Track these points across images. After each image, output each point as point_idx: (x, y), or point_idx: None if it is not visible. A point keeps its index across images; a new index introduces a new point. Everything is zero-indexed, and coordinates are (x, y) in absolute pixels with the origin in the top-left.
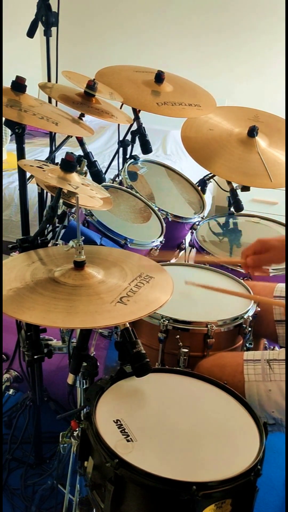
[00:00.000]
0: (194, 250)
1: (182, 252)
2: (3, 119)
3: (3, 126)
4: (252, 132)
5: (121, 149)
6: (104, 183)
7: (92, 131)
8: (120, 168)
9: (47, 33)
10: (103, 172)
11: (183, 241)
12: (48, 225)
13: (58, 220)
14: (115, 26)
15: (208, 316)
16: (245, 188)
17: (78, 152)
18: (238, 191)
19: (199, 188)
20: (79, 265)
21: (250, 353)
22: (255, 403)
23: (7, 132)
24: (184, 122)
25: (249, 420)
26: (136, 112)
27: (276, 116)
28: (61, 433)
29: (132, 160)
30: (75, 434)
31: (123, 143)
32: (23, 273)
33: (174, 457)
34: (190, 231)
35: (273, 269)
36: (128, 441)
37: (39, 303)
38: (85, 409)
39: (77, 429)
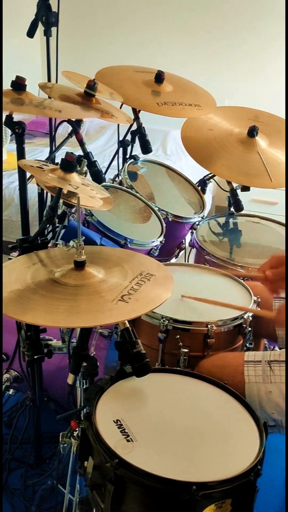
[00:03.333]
0: (194, 250)
1: (182, 252)
2: (3, 119)
3: (3, 126)
4: (252, 132)
5: (121, 149)
6: (104, 183)
7: (98, 113)
8: (120, 168)
9: (47, 33)
10: (103, 172)
11: (183, 241)
12: (48, 225)
13: (58, 220)
14: (115, 26)
15: (208, 316)
16: (245, 188)
17: (78, 152)
18: (238, 191)
19: (199, 188)
20: (79, 265)
21: (251, 354)
22: (255, 404)
23: (7, 132)
24: (184, 122)
25: (249, 420)
26: (136, 112)
27: (276, 116)
28: (61, 433)
29: (132, 160)
30: (75, 434)
31: (123, 143)
32: (23, 275)
33: (174, 457)
34: (190, 231)
35: None
36: (128, 441)
37: (41, 304)
38: (85, 409)
39: (77, 429)
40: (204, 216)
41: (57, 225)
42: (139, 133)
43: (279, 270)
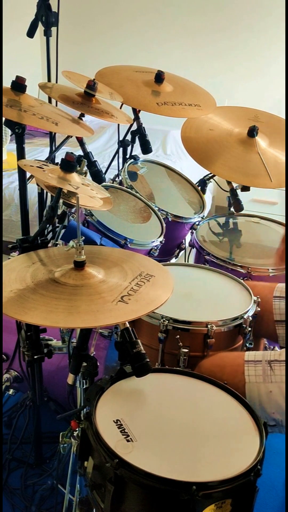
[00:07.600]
0: (194, 250)
1: (182, 252)
2: (3, 119)
3: (3, 126)
4: (252, 132)
5: (121, 149)
6: (104, 183)
7: (92, 131)
8: (120, 168)
9: (47, 33)
10: (103, 172)
11: (183, 241)
12: (48, 225)
13: (58, 220)
14: (115, 26)
15: (208, 316)
16: (245, 188)
17: (78, 152)
18: (238, 191)
19: (199, 188)
20: (79, 265)
21: (252, 354)
22: (255, 404)
23: (7, 132)
24: (184, 122)
25: (249, 420)
26: (136, 112)
27: (276, 116)
28: (61, 433)
29: (132, 160)
30: (75, 434)
31: (123, 143)
32: (23, 274)
33: (174, 457)
34: (190, 231)
35: (272, 269)
36: (128, 441)
37: (40, 304)
38: (85, 409)
39: (77, 429)
40: (204, 216)
41: (57, 225)
42: (139, 133)
43: None
